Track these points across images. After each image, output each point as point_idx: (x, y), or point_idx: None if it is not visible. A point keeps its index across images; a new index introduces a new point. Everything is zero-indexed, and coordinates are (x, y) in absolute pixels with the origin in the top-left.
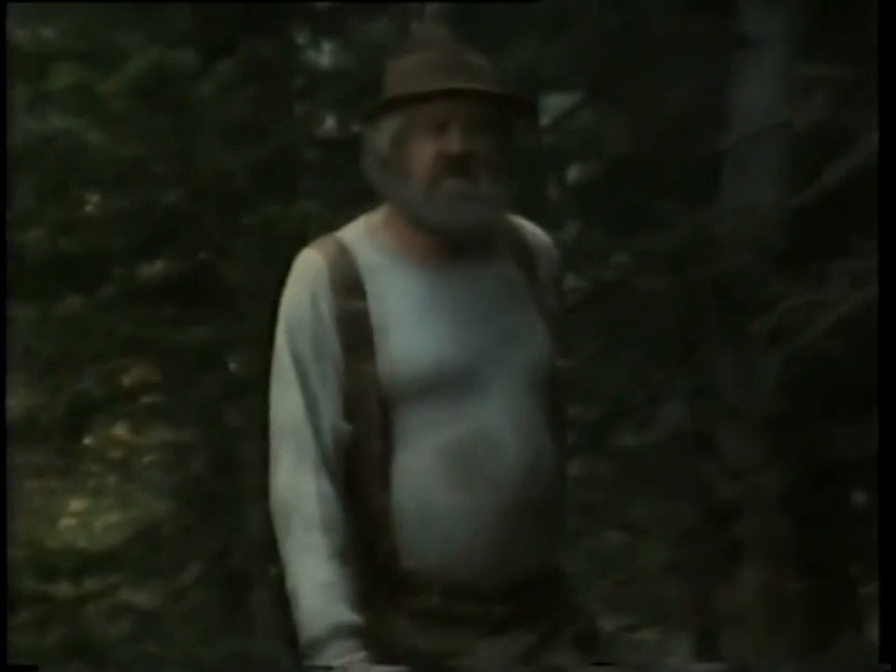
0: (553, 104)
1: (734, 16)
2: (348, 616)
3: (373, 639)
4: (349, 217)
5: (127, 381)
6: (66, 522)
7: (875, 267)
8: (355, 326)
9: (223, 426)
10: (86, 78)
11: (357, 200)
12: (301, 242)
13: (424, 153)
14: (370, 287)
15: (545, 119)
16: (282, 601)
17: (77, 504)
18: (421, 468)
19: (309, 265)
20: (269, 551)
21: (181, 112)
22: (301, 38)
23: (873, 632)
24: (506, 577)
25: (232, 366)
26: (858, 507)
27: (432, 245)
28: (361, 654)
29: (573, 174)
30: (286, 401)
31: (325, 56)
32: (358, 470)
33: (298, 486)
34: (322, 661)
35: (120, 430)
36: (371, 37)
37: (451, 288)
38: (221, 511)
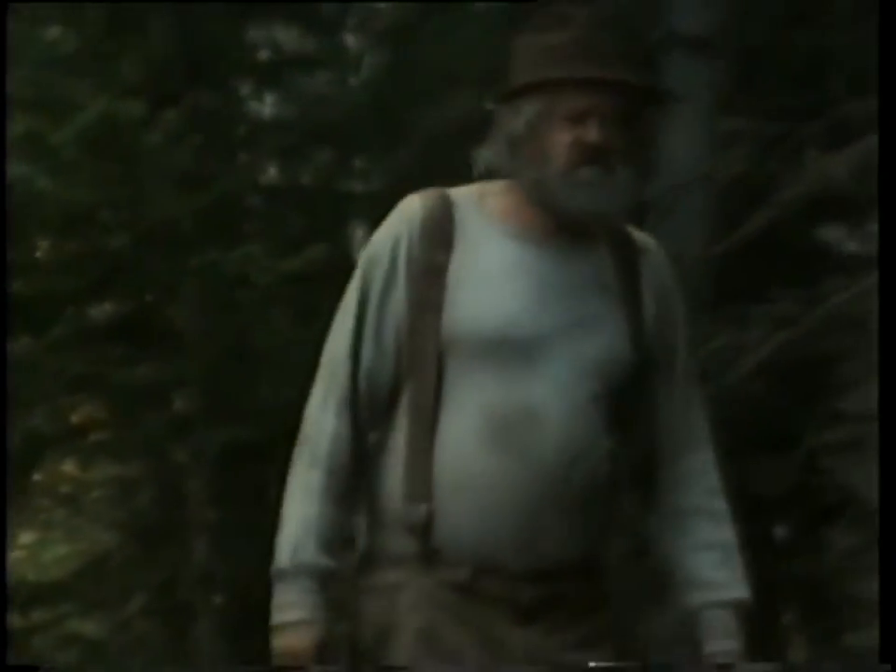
0: (486, 155)
1: (658, 71)
2: (315, 557)
3: (404, 598)
4: (290, 261)
5: (76, 418)
6: (16, 555)
7: (794, 310)
8: (431, 277)
9: (168, 461)
10: (37, 127)
11: (298, 244)
12: (244, 284)
13: (561, 140)
14: (458, 244)
15: (477, 171)
16: (225, 631)
17: (26, 537)
18: (465, 432)
19: (405, 208)
20: (212, 582)
21: (129, 160)
22: (244, 90)
23: (795, 657)
24: (534, 558)
25: (177, 404)
26: (779, 540)
27: (538, 224)
28: (315, 597)
29: None
30: (339, 332)
31: (267, 107)
32: (409, 427)
33: (317, 420)
34: (280, 592)
35: (69, 466)
36: (310, 89)
37: (539, 264)
38: (166, 544)
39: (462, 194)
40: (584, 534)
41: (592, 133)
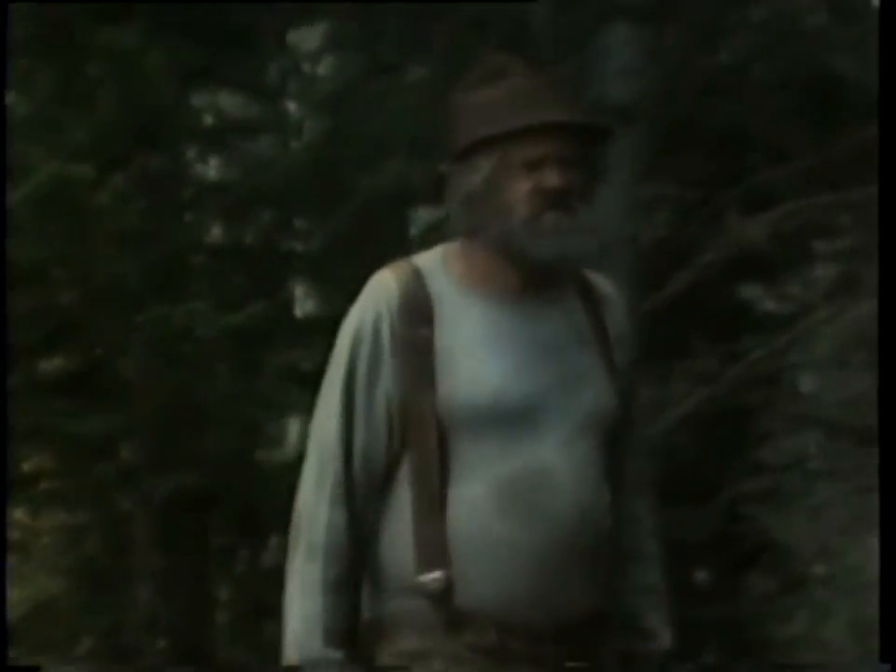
0: (421, 217)
1: None
2: (323, 651)
3: (433, 665)
4: (233, 317)
5: (26, 468)
6: None
7: (715, 366)
8: (417, 352)
9: (115, 509)
10: None
11: (241, 300)
12: (189, 339)
13: (521, 188)
14: (439, 315)
15: (413, 232)
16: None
17: None
18: (476, 498)
19: (381, 285)
20: (157, 626)
21: (79, 220)
22: (190, 153)
23: None
24: (555, 616)
25: (124, 454)
26: (700, 584)
27: (507, 280)
28: None
29: None
30: (326, 413)
31: (211, 170)
32: (415, 498)
33: (312, 510)
34: None
35: (19, 514)
36: (253, 153)
37: (519, 324)
38: (112, 589)
39: (428, 262)
40: (597, 586)
41: (551, 178)
